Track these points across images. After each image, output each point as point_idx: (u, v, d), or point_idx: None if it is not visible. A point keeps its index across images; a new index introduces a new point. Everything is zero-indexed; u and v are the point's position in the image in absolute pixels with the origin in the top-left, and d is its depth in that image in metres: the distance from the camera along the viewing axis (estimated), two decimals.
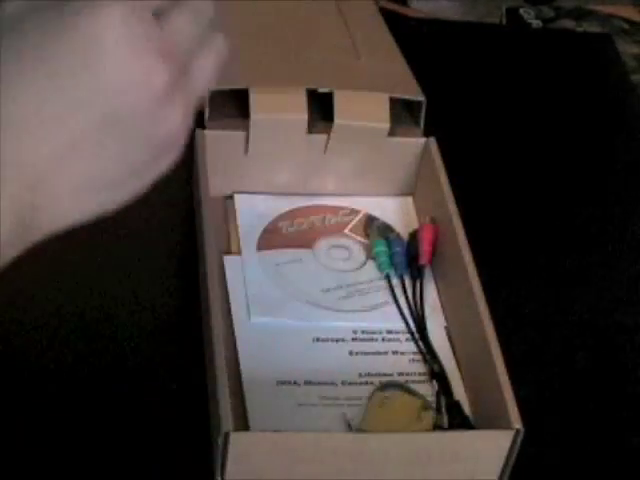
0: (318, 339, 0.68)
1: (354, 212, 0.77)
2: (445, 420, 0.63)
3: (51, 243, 0.72)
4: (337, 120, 0.74)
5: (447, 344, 0.68)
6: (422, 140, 0.76)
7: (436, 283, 0.72)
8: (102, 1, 0.43)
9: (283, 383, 0.64)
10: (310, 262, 0.73)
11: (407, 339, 0.68)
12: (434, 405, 0.64)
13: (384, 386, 0.65)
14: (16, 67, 0.42)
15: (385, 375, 0.66)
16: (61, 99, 0.43)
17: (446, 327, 0.69)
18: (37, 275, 0.69)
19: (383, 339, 0.68)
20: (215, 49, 0.48)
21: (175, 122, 0.46)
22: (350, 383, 0.65)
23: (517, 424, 0.57)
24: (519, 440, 0.58)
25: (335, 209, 0.77)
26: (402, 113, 0.77)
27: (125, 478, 0.59)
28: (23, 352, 0.64)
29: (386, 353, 0.67)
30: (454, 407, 0.64)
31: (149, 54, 0.44)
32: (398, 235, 0.74)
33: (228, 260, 0.71)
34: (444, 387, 0.65)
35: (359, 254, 0.74)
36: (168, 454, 0.60)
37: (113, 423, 0.61)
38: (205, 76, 0.48)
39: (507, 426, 0.58)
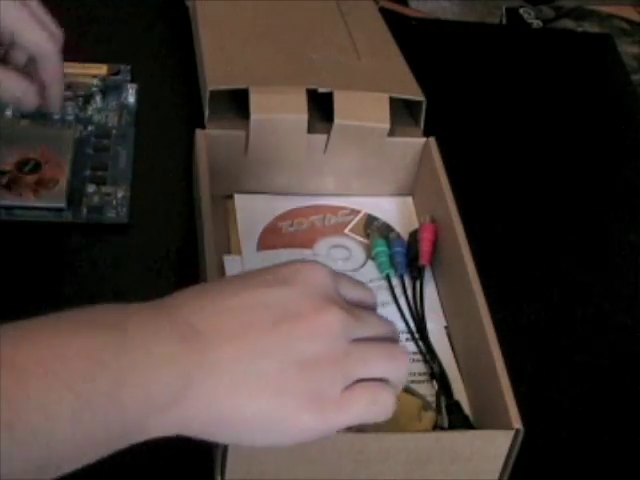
0: None
1: (354, 212, 0.77)
2: (445, 420, 0.63)
3: (52, 243, 0.72)
4: (337, 120, 0.74)
5: (447, 344, 0.68)
6: (422, 140, 0.76)
7: (436, 283, 0.72)
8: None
9: None
10: None
11: (407, 339, 0.68)
12: (434, 405, 0.64)
13: None
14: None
15: None
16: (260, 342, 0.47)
17: (446, 327, 0.69)
18: (36, 275, 0.69)
19: None
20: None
21: (334, 388, 0.48)
22: None
23: (517, 424, 0.57)
24: (519, 440, 0.57)
25: (335, 209, 0.77)
26: (402, 113, 0.77)
27: (125, 478, 0.59)
28: None
29: None
30: (454, 407, 0.64)
31: (334, 304, 0.49)
32: (398, 235, 0.75)
33: (228, 260, 0.71)
34: (444, 387, 0.65)
35: (359, 254, 0.74)
36: (168, 454, 0.60)
37: None
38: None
39: (507, 426, 0.58)
